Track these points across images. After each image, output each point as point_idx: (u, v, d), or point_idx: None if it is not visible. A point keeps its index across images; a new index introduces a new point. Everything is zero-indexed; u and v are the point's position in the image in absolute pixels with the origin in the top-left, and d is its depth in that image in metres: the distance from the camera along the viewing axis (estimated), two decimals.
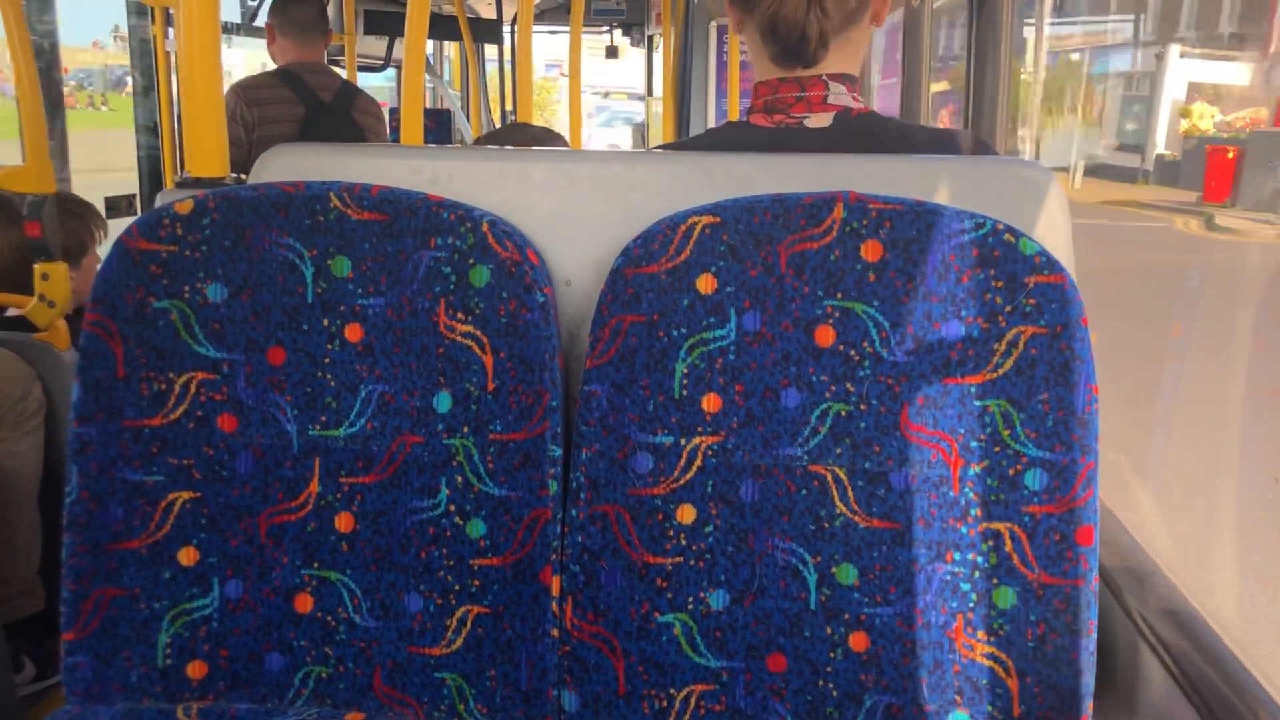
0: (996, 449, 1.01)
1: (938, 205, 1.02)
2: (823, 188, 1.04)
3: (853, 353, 1.03)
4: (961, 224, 1.01)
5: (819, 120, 1.28)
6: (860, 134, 1.27)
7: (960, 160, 1.15)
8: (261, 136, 3.09)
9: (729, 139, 1.34)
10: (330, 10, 4.99)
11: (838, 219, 1.02)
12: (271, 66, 3.33)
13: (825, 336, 1.03)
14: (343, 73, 4.50)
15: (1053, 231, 1.07)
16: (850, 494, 1.04)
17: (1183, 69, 13.62)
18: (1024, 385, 1.00)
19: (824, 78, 1.29)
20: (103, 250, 2.30)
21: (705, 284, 1.03)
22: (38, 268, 1.99)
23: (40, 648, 1.96)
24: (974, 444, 1.01)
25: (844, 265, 1.03)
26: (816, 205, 1.03)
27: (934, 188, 1.07)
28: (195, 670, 1.09)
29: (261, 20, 3.95)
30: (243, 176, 1.22)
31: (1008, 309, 1.00)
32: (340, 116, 3.24)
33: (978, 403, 1.01)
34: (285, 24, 3.24)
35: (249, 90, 3.16)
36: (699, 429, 1.04)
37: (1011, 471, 1.01)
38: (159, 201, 1.10)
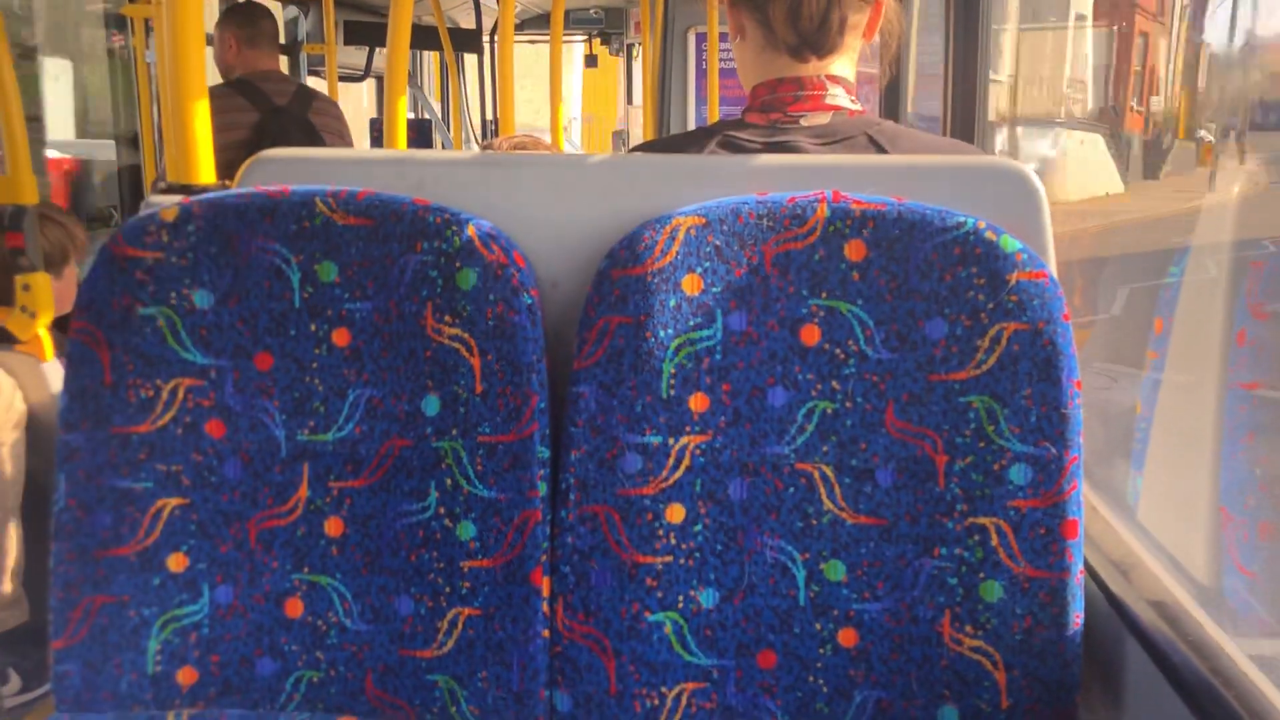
0: (981, 444, 1.02)
1: (920, 205, 1.03)
2: (806, 188, 1.05)
3: (838, 351, 1.04)
4: (943, 223, 1.02)
5: (816, 118, 1.29)
6: (856, 132, 1.28)
7: (941, 159, 1.17)
8: (218, 144, 3.14)
9: (722, 134, 1.35)
10: (310, 20, 4.99)
11: (821, 219, 1.03)
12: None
13: (810, 335, 1.04)
14: (323, 83, 4.50)
15: (1033, 228, 1.08)
16: (837, 491, 1.05)
17: None
18: (1007, 381, 1.01)
19: (823, 78, 1.30)
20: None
21: (691, 285, 1.04)
22: (19, 279, 1.98)
23: (26, 659, 1.94)
24: (959, 440, 1.03)
25: (828, 265, 1.04)
26: (800, 206, 1.04)
27: (916, 187, 1.08)
28: (185, 677, 1.09)
29: None
30: (226, 183, 1.22)
31: (990, 306, 1.01)
32: (295, 119, 3.32)
33: (962, 399, 1.02)
34: (255, 36, 3.34)
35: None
36: (687, 429, 1.05)
37: (996, 467, 1.02)
38: (143, 208, 1.10)
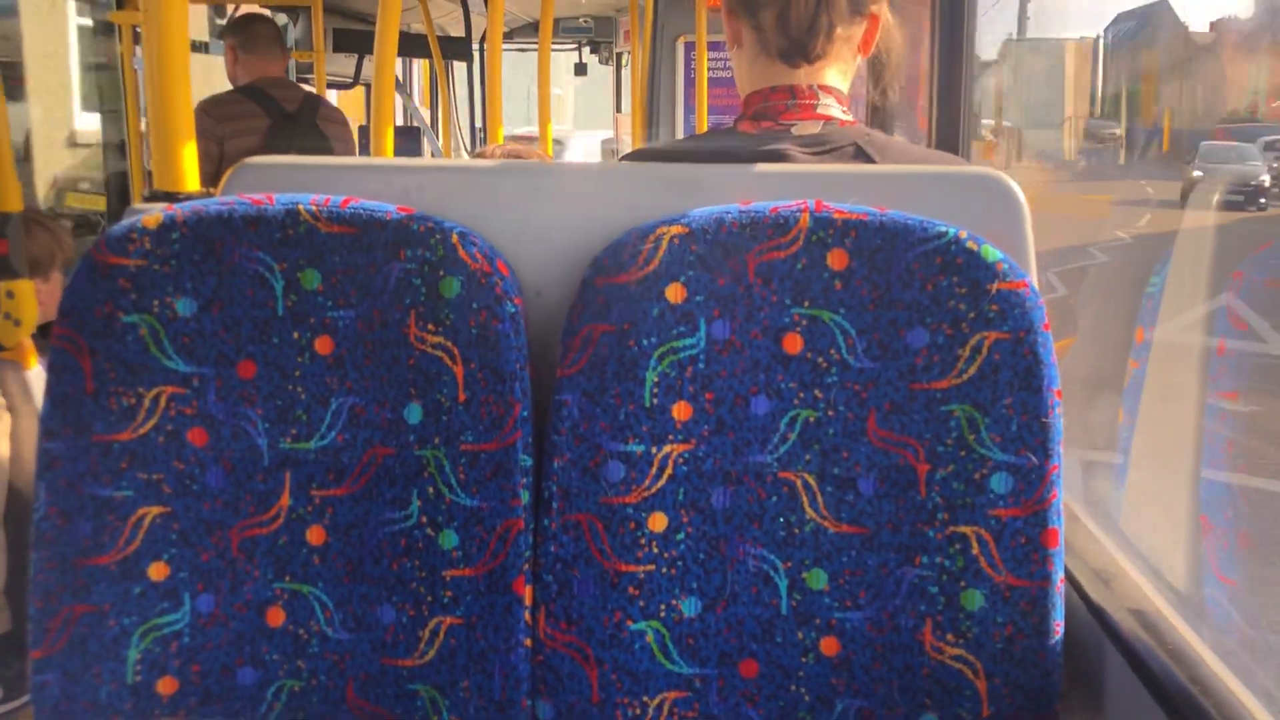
0: (962, 453, 1.03)
1: (902, 215, 1.04)
2: (791, 197, 1.06)
3: (820, 360, 1.04)
4: (925, 233, 1.02)
5: (807, 127, 1.30)
6: (846, 142, 1.29)
7: (925, 169, 1.18)
8: (230, 151, 3.14)
9: (714, 143, 1.36)
10: (299, 28, 4.99)
11: (804, 228, 1.04)
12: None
13: (793, 344, 1.05)
14: (312, 89, 4.50)
15: (1015, 238, 1.09)
16: (819, 500, 1.05)
17: None
18: (988, 390, 1.02)
19: (816, 87, 1.31)
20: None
21: (674, 293, 1.04)
22: (1, 285, 1.97)
23: (9, 668, 1.93)
24: (940, 449, 1.03)
25: (811, 274, 1.04)
26: (783, 215, 1.04)
27: (900, 196, 1.09)
28: (166, 686, 1.09)
29: None
30: (211, 190, 1.22)
31: (971, 315, 1.02)
32: (305, 126, 3.32)
33: (943, 408, 1.03)
34: (248, 41, 3.35)
35: (217, 107, 3.23)
36: (670, 437, 1.05)
37: (977, 475, 1.02)
38: (127, 215, 1.09)
